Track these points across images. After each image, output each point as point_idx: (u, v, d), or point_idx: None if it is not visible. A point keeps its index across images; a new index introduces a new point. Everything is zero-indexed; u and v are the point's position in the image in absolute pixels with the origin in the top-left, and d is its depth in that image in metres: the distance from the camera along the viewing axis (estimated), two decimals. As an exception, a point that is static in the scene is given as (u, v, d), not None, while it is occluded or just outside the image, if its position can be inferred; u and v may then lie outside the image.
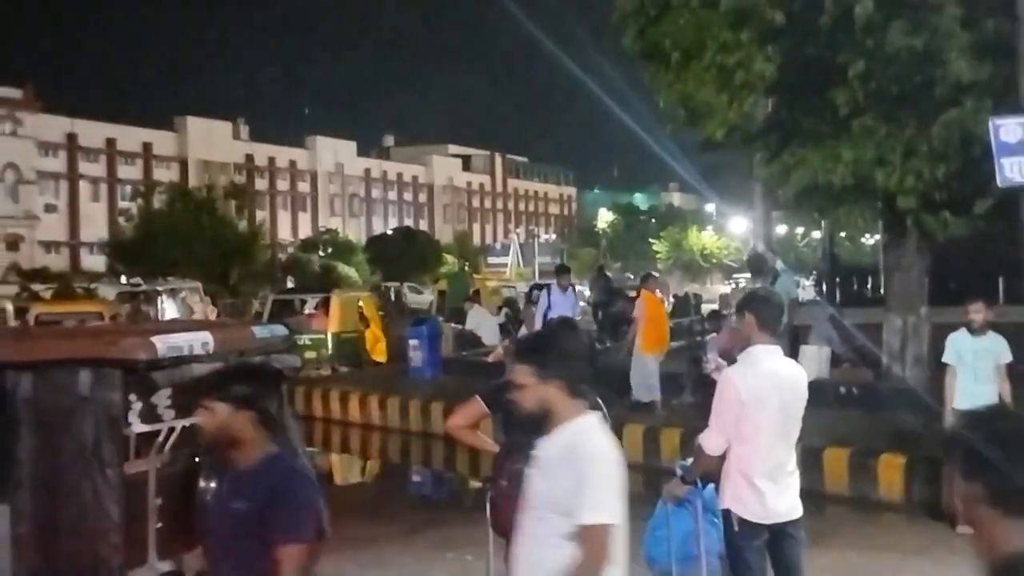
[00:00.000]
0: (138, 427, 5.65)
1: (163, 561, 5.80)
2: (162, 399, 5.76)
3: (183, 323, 7.62)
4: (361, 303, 33.78)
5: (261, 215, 74.78)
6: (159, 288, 40.89)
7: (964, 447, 3.21)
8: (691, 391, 17.51)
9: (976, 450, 3.15)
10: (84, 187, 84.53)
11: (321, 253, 75.19)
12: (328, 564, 9.73)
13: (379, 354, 30.61)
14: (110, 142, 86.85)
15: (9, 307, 32.49)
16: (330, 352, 29.86)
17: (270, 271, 63.38)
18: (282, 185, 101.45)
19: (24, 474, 5.67)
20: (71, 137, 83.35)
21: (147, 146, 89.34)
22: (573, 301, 20.64)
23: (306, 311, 33.47)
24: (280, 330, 7.11)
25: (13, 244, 73.27)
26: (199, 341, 5.58)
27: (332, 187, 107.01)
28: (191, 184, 71.82)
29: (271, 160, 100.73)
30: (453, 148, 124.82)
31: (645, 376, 18.09)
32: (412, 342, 26.60)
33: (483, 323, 28.82)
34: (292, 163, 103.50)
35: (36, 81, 79.90)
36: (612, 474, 4.64)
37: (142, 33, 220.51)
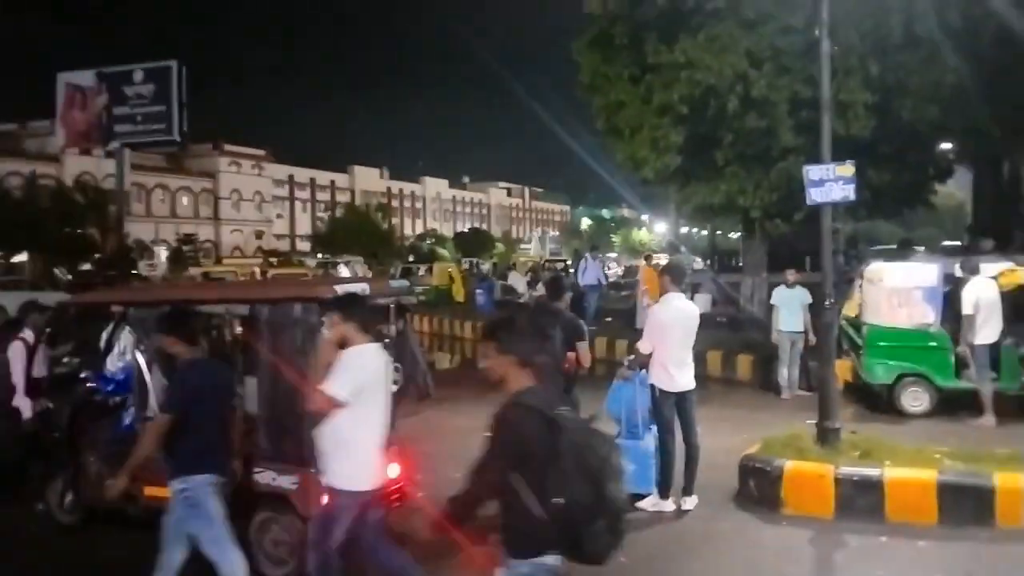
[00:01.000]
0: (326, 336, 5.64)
1: None
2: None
3: (352, 278, 7.51)
4: (450, 269, 34.14)
5: (395, 221, 74.70)
6: (338, 261, 41.18)
7: (498, 334, 3.50)
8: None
9: (505, 334, 3.48)
10: (297, 205, 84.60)
11: (428, 242, 75.18)
12: (430, 412, 9.83)
13: (460, 297, 30.64)
14: (312, 180, 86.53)
15: (257, 271, 32.75)
16: (433, 295, 29.80)
17: (399, 251, 63.40)
18: (406, 204, 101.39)
19: (264, 361, 5.72)
20: (291, 176, 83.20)
21: (332, 182, 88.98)
22: (600, 266, 20.84)
23: (420, 273, 33.59)
24: (405, 283, 7.14)
25: (259, 235, 73.58)
26: (360, 288, 5.62)
27: (433, 206, 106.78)
28: (357, 203, 71.96)
29: (400, 191, 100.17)
30: (502, 183, 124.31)
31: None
32: (478, 291, 26.91)
33: (517, 282, 28.71)
34: (412, 192, 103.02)
35: (270, 142, 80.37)
36: (358, 374, 4.54)
37: (330, 110, 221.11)
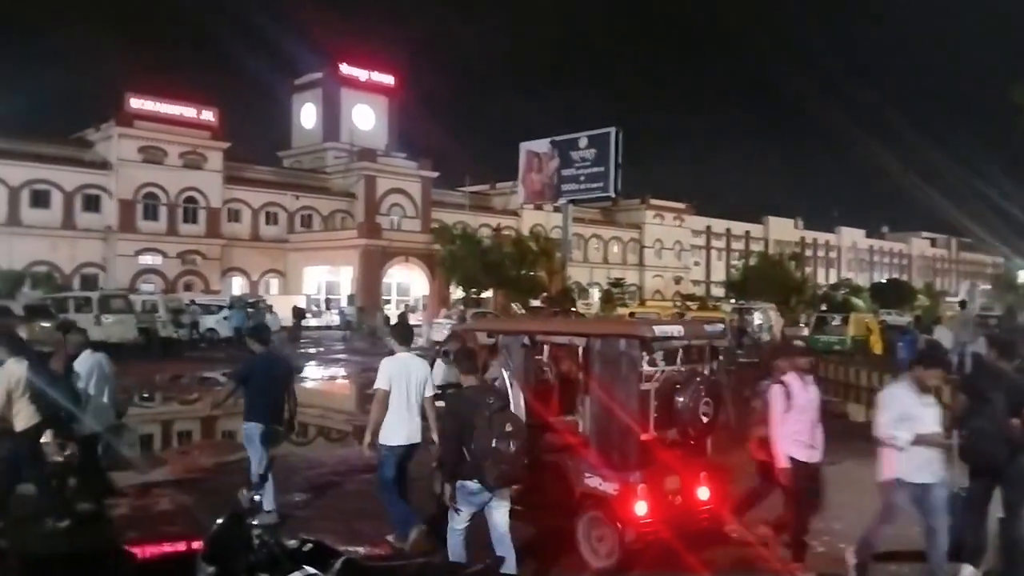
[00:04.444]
0: (646, 369, 5.56)
1: (656, 431, 5.68)
2: (657, 356, 5.65)
3: (668, 320, 6.83)
4: (867, 320, 31.34)
5: (808, 270, 69.70)
6: (751, 307, 39.24)
7: (463, 363, 5.36)
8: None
9: (467, 362, 5.34)
10: (713, 253, 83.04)
11: (842, 291, 68.72)
12: (849, 463, 8.63)
13: (877, 349, 27.58)
14: (727, 230, 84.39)
15: (667, 315, 32.37)
16: (849, 346, 27.61)
17: (812, 299, 58.75)
18: (820, 253, 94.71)
19: (594, 388, 5.78)
20: (708, 227, 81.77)
21: (747, 232, 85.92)
22: None
23: (834, 323, 30.91)
24: (719, 328, 6.56)
25: (677, 281, 73.33)
26: (675, 330, 5.52)
27: (849, 255, 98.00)
28: (770, 252, 68.60)
29: (814, 240, 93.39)
30: (924, 233, 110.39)
31: None
32: (899, 344, 23.57)
33: (943, 336, 24.90)
34: (826, 242, 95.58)
35: (692, 196, 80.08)
36: (386, 371, 5.94)
37: (748, 166, 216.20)
